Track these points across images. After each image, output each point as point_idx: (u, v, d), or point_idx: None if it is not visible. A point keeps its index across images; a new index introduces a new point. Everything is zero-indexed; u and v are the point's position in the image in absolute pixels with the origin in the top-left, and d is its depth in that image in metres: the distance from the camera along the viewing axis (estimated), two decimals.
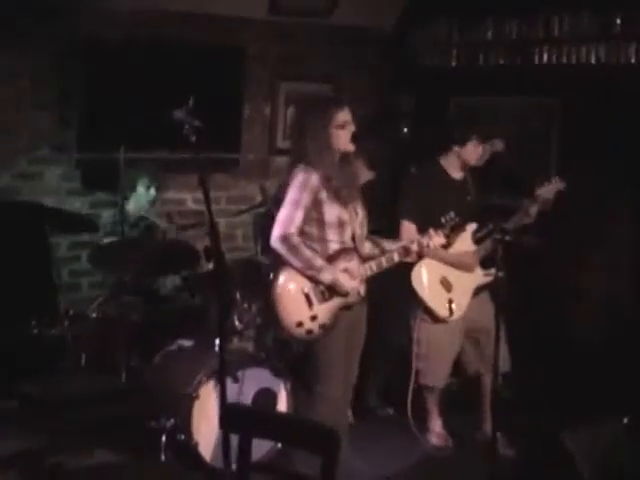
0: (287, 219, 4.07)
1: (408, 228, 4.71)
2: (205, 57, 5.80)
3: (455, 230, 4.37)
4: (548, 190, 4.90)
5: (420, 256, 4.56)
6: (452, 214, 4.30)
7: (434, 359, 4.90)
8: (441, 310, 4.80)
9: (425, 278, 4.79)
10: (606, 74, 5.66)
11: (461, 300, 4.84)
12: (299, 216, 4.07)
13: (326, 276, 4.09)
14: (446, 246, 4.52)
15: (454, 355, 4.96)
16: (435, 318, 4.82)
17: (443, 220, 4.30)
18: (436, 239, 4.28)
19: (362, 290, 4.26)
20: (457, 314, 4.82)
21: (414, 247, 4.28)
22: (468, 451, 4.95)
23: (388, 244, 4.38)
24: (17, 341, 4.78)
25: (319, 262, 4.10)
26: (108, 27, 5.51)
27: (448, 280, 4.82)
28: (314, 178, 4.08)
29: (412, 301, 4.85)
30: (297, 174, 4.11)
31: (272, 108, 6.43)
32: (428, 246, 4.30)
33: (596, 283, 5.78)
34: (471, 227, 4.82)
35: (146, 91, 5.49)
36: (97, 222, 5.40)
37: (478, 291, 4.90)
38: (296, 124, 4.43)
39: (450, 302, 4.80)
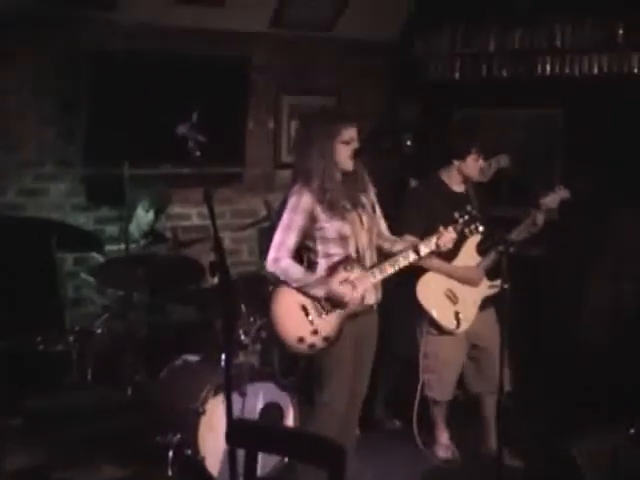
0: (278, 243, 4.14)
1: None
2: (208, 71, 5.78)
3: (468, 224, 4.35)
4: (552, 199, 4.91)
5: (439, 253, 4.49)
6: (468, 207, 4.32)
7: (441, 372, 4.90)
8: (448, 323, 4.79)
9: (430, 291, 4.79)
10: (609, 84, 5.67)
11: (468, 312, 4.83)
12: (291, 239, 4.12)
13: (318, 292, 4.13)
14: (459, 243, 4.50)
15: (460, 368, 4.96)
16: (442, 330, 4.81)
17: (456, 215, 4.30)
18: (446, 236, 4.28)
19: (372, 299, 4.26)
20: (464, 326, 4.81)
21: (422, 248, 4.27)
22: (474, 463, 4.93)
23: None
24: (23, 357, 4.77)
25: (310, 279, 4.14)
26: (112, 41, 5.51)
27: (454, 292, 4.82)
28: (305, 198, 4.11)
29: (418, 314, 4.84)
30: (291, 196, 4.15)
31: (276, 121, 6.43)
32: (438, 245, 4.29)
33: (600, 292, 5.77)
34: (475, 239, 4.82)
35: (150, 106, 5.48)
36: (103, 240, 5.39)
37: (485, 303, 4.90)
38: (301, 135, 4.44)
39: (457, 314, 4.80)
